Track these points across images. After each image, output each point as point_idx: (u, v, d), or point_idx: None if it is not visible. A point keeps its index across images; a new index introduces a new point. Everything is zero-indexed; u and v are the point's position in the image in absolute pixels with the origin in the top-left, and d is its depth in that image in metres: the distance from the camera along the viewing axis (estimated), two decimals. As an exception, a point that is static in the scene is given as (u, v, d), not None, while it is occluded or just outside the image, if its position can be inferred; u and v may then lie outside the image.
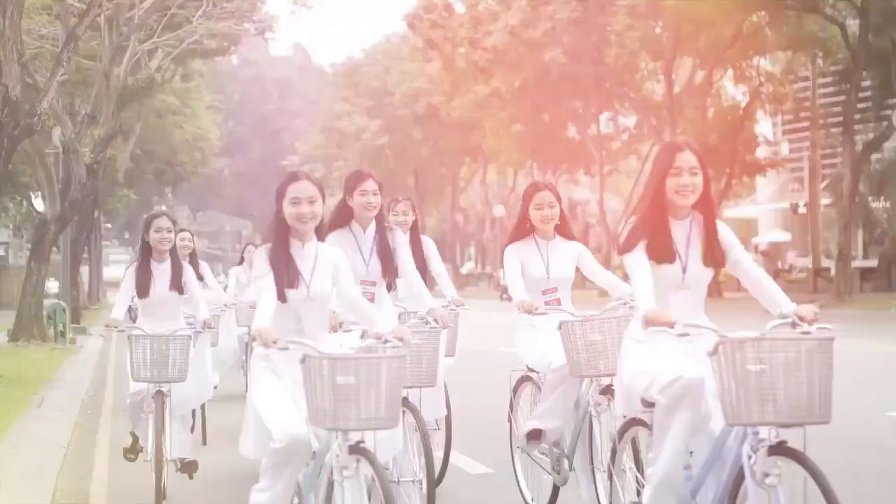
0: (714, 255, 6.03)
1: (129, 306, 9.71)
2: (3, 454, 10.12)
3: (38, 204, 39.96)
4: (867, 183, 53.51)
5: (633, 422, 6.22)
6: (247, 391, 9.91)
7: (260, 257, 6.40)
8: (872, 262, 54.66)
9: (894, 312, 34.58)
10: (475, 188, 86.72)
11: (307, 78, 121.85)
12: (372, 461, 5.70)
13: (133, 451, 9.69)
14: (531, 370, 8.31)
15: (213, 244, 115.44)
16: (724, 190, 51.35)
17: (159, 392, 8.94)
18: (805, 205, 60.05)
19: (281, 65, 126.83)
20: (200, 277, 13.58)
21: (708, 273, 6.08)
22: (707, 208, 6.11)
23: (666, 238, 6.00)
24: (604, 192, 64.98)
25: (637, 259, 5.95)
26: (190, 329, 9.25)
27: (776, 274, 54.33)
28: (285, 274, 6.33)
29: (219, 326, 13.80)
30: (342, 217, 8.32)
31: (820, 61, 52.09)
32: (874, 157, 51.07)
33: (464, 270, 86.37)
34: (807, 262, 59.48)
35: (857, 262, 53.93)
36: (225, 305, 13.69)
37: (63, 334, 25.54)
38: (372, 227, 8.32)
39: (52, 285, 47.66)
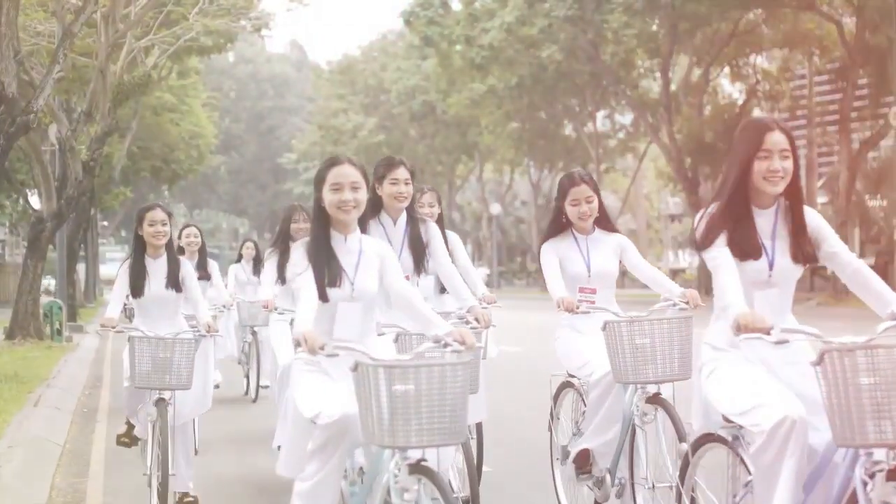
0: (804, 248, 5.39)
1: (125, 305, 9.32)
2: (0, 452, 10.10)
3: (35, 201, 39.94)
4: (864, 181, 53.60)
5: (710, 438, 5.51)
6: (280, 409, 9.58)
7: (297, 252, 5.83)
8: (869, 261, 54.61)
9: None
10: (472, 186, 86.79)
11: (303, 75, 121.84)
12: (437, 482, 5.06)
13: (128, 437, 9.16)
14: (572, 375, 7.87)
15: (210, 242, 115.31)
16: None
17: (161, 400, 8.19)
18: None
19: (277, 62, 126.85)
20: (207, 276, 13.26)
21: (797, 269, 5.42)
22: (795, 195, 5.44)
23: (750, 230, 5.33)
24: (600, 190, 64.92)
25: (720, 254, 5.26)
26: (193, 332, 8.49)
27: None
28: (326, 270, 5.78)
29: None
30: (371, 207, 7.45)
31: (816, 59, 52.15)
32: (871, 155, 51.17)
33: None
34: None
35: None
36: (224, 306, 13.19)
37: (59, 332, 25.52)
38: (403, 218, 7.84)
39: (49, 283, 47.71)
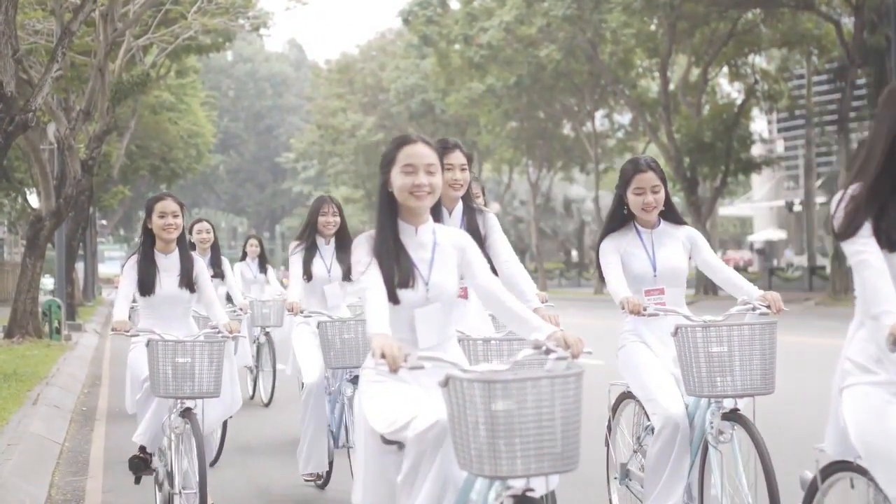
0: None
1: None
2: (-1, 450, 10.12)
3: (33, 200, 40.04)
4: (862, 181, 53.53)
5: (845, 466, 4.62)
6: (303, 431, 9.25)
7: (360, 248, 5.07)
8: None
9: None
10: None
11: (302, 74, 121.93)
12: None
13: (145, 465, 8.21)
14: None
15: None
16: (718, 188, 51.38)
17: (188, 410, 7.49)
18: (800, 203, 60.15)
19: (276, 61, 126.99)
20: (221, 274, 12.74)
21: None
22: None
23: None
24: (599, 190, 64.98)
25: (866, 246, 4.41)
26: (216, 334, 7.72)
27: (771, 272, 54.40)
28: (396, 268, 5.00)
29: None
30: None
31: (815, 59, 52.16)
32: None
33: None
34: (802, 259, 59.54)
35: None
36: (240, 310, 12.52)
37: (58, 331, 25.52)
38: (459, 208, 7.06)
39: (48, 282, 47.79)
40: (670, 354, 6.59)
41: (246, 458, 10.98)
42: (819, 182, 59.79)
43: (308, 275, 9.52)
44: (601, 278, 6.94)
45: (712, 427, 6.33)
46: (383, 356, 4.38)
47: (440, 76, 62.53)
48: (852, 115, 47.56)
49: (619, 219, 6.93)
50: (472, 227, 6.92)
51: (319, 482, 9.41)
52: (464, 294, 6.73)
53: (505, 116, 61.58)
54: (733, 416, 6.28)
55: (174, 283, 8.04)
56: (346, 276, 9.18)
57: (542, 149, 66.47)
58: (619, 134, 66.33)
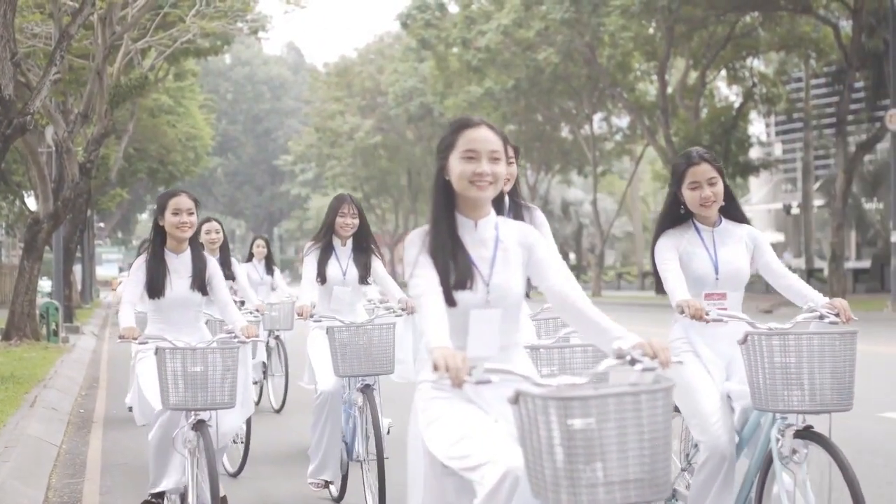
0: None
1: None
2: (-4, 453, 10.11)
3: (31, 203, 40.05)
4: (860, 184, 53.68)
5: None
6: (314, 441, 8.81)
7: (413, 245, 4.55)
8: (865, 263, 54.78)
9: (887, 313, 34.63)
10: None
11: (300, 77, 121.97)
12: None
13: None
14: None
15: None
16: (717, 190, 51.38)
17: (201, 422, 6.97)
18: (798, 205, 60.20)
19: (274, 64, 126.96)
20: (231, 276, 12.20)
21: None
22: None
23: None
24: (597, 193, 65.01)
25: None
26: (231, 339, 7.20)
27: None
28: (452, 267, 4.47)
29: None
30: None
31: (813, 62, 52.18)
32: (867, 157, 51.19)
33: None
34: (800, 262, 59.57)
35: (851, 263, 54.07)
36: (257, 311, 12.04)
37: (56, 333, 25.53)
38: (504, 204, 6.54)
39: (45, 284, 47.77)
40: (722, 367, 6.20)
41: (257, 467, 10.42)
42: (817, 185, 59.78)
43: (322, 277, 9.03)
44: (656, 278, 6.35)
45: (781, 445, 5.76)
46: (445, 369, 3.91)
47: (438, 79, 62.56)
48: (850, 118, 47.55)
49: (675, 219, 6.42)
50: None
51: (328, 488, 9.02)
52: None
53: (503, 119, 61.56)
54: (808, 433, 5.70)
55: (185, 285, 7.51)
56: (363, 279, 9.12)
57: (541, 152, 66.49)
58: (617, 137, 66.32)
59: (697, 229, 6.35)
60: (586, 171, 67.10)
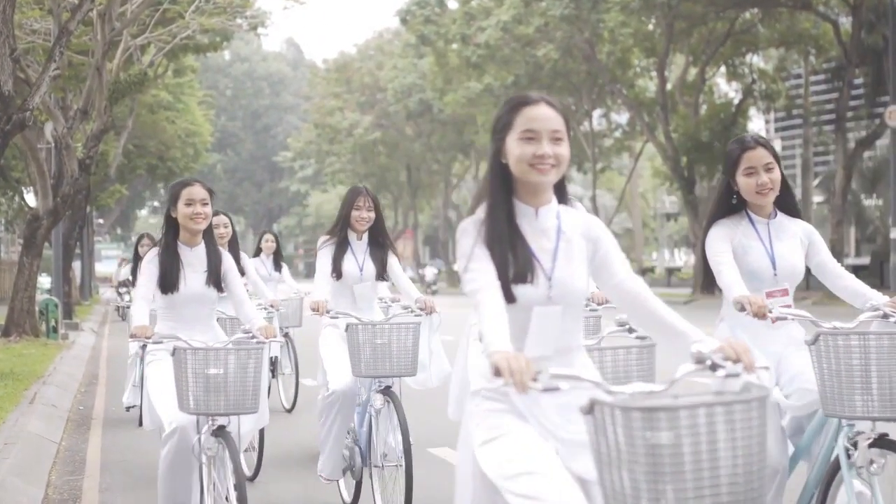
0: None
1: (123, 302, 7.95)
2: (-4, 450, 10.11)
3: (31, 199, 40.01)
4: (859, 180, 53.68)
5: None
6: (322, 439, 8.37)
7: (467, 235, 4.10)
8: (865, 260, 54.78)
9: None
10: (468, 184, 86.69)
11: (299, 73, 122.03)
12: None
13: None
14: None
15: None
16: (716, 187, 51.44)
17: (221, 428, 6.55)
18: (797, 202, 60.14)
19: (273, 60, 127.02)
20: (241, 271, 12.53)
21: None
22: None
23: None
24: (596, 189, 65.00)
25: None
26: (249, 339, 6.72)
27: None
28: (511, 259, 4.05)
29: None
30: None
31: (812, 59, 52.19)
32: (866, 154, 51.22)
33: (456, 267, 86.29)
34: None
35: (850, 260, 54.06)
36: (271, 306, 11.77)
37: (55, 330, 25.51)
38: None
39: (44, 280, 47.72)
40: (773, 370, 5.74)
41: (268, 470, 10.10)
42: (816, 181, 59.79)
43: (338, 272, 8.59)
44: (705, 272, 5.93)
45: (854, 455, 5.24)
46: (509, 373, 3.52)
47: (438, 75, 62.55)
48: (849, 114, 47.58)
49: (727, 207, 5.99)
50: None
51: (339, 487, 8.71)
52: None
53: (502, 116, 61.51)
54: (885, 442, 5.17)
55: (200, 281, 7.05)
56: (380, 275, 8.73)
57: (540, 148, 66.42)
58: (617, 133, 66.32)
59: (752, 220, 5.93)
60: (586, 168, 67.07)
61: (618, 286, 4.16)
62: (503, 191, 4.15)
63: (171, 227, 7.09)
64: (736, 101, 53.48)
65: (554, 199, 4.24)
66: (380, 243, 8.76)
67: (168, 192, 7.13)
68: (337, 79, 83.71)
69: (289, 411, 14.16)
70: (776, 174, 5.83)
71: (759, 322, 5.55)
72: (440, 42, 58.98)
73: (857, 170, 49.07)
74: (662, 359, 5.08)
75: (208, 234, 7.18)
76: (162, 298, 7.05)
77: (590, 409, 3.37)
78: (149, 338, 6.62)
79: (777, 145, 67.34)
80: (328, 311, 8.24)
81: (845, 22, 46.54)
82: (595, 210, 63.32)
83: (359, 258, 8.69)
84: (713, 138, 48.77)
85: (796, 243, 5.93)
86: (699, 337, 3.84)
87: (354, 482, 8.49)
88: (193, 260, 7.07)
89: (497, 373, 3.55)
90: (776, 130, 69.69)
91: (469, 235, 4.10)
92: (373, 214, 8.67)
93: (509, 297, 4.00)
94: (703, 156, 49.38)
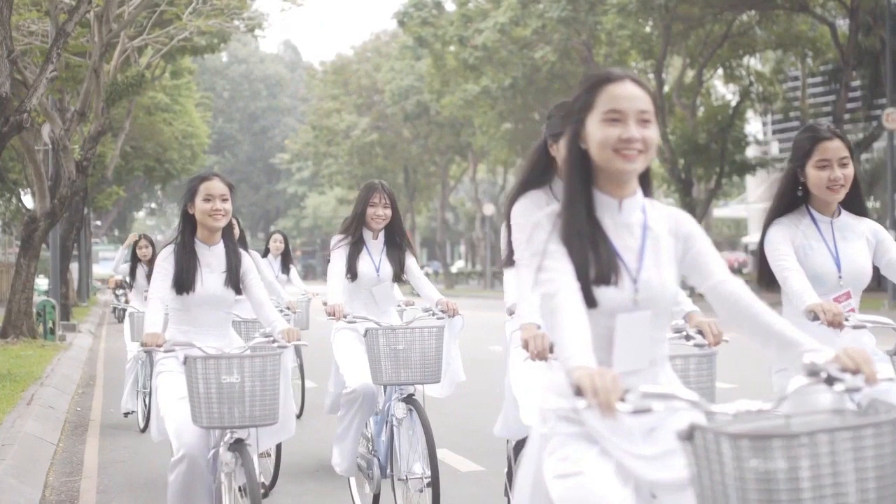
0: None
1: (121, 296, 7.21)
2: (-7, 451, 10.11)
3: (28, 201, 40.05)
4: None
5: None
6: (339, 431, 8.00)
7: (541, 229, 3.65)
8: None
9: (884, 311, 34.67)
10: (465, 186, 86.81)
11: (297, 75, 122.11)
12: None
13: None
14: None
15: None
16: (713, 189, 51.45)
17: (239, 442, 6.08)
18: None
19: (270, 62, 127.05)
20: None
21: None
22: None
23: None
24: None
25: None
26: (269, 343, 6.35)
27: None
28: (592, 258, 3.59)
29: None
30: (543, 171, 5.54)
31: (810, 61, 52.20)
32: (864, 156, 51.21)
33: (454, 269, 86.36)
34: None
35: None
36: (287, 308, 11.50)
37: (52, 331, 25.51)
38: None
39: (42, 282, 47.72)
40: None
41: (280, 481, 9.54)
42: (813, 184, 59.79)
43: (352, 273, 8.18)
44: (760, 274, 5.52)
45: None
46: (593, 393, 3.06)
47: (435, 77, 62.55)
48: (847, 117, 47.55)
49: (791, 199, 5.53)
50: None
51: (349, 485, 8.41)
52: None
53: (500, 118, 61.55)
54: None
55: (218, 282, 6.58)
56: (397, 276, 8.35)
57: (537, 150, 66.46)
58: (614, 135, 66.29)
59: (814, 219, 5.48)
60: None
61: (715, 288, 3.68)
62: (582, 180, 3.69)
63: (189, 223, 6.63)
64: (733, 104, 53.44)
65: (639, 191, 3.79)
66: (397, 242, 8.38)
67: (185, 187, 6.65)
68: (334, 81, 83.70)
69: (298, 417, 13.55)
70: (850, 170, 5.43)
71: (824, 329, 5.03)
72: (437, 44, 58.98)
73: (854, 172, 49.03)
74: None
75: (227, 232, 6.74)
76: (176, 300, 6.58)
77: (690, 434, 2.93)
78: (160, 346, 6.14)
79: (774, 147, 67.48)
80: (345, 316, 7.82)
81: (842, 24, 46.57)
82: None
83: (375, 258, 8.31)
84: (710, 140, 48.79)
85: (863, 243, 5.52)
86: (812, 345, 3.38)
87: (372, 495, 8.03)
88: (211, 259, 6.61)
89: (579, 392, 3.11)
90: (773, 133, 69.73)
91: (543, 229, 3.66)
92: (389, 211, 8.28)
93: (591, 302, 3.57)
94: (700, 158, 49.39)
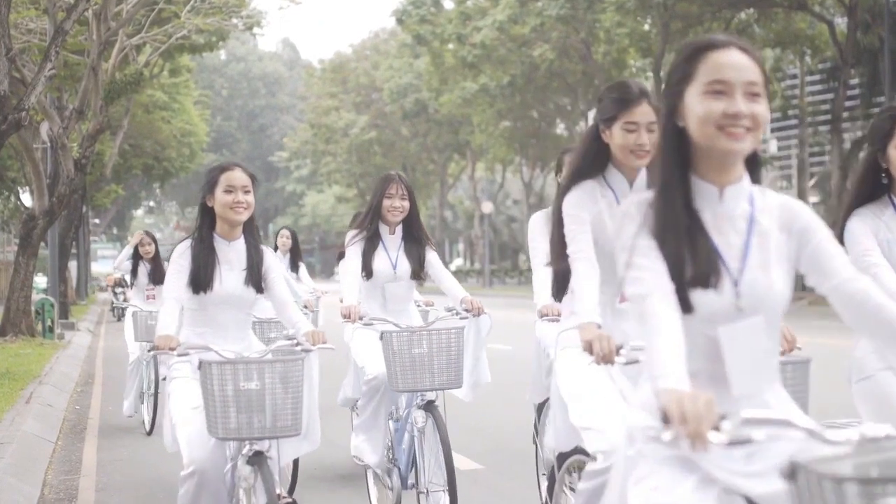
0: None
1: (118, 293, 6.74)
2: (-8, 449, 10.10)
3: (26, 199, 40.01)
4: (855, 180, 53.62)
5: None
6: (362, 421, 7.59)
7: (630, 220, 3.20)
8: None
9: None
10: (463, 184, 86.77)
11: (295, 73, 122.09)
12: None
13: None
14: None
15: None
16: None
17: (258, 454, 5.53)
18: None
19: (269, 60, 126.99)
20: None
21: None
22: None
23: None
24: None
25: None
26: (293, 346, 5.86)
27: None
28: (689, 256, 3.12)
29: None
30: (593, 161, 4.90)
31: (808, 59, 52.21)
32: (862, 154, 51.19)
33: (452, 267, 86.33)
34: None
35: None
36: (305, 307, 11.24)
37: (51, 329, 25.50)
38: (642, 176, 4.93)
39: (40, 280, 47.72)
40: None
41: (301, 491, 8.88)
42: (812, 182, 59.80)
43: (368, 271, 7.66)
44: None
45: None
46: (682, 421, 2.67)
47: (433, 75, 62.55)
48: (845, 115, 47.58)
49: (871, 189, 4.97)
50: None
51: (366, 472, 8.00)
52: None
53: (498, 116, 61.57)
54: None
55: (238, 280, 6.08)
56: (416, 274, 7.82)
57: (536, 148, 66.49)
58: (613, 133, 66.34)
59: None
60: (581, 168, 67.07)
61: (838, 289, 3.20)
62: (678, 164, 3.21)
63: (207, 217, 6.11)
64: (731, 102, 53.47)
65: (745, 177, 3.28)
66: (415, 237, 7.84)
67: (205, 178, 6.13)
68: (333, 79, 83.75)
69: None
70: None
71: None
72: (436, 42, 58.99)
73: (852, 170, 49.00)
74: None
75: (248, 227, 6.18)
76: (192, 299, 6.04)
77: (790, 472, 2.58)
78: (173, 349, 5.59)
79: (773, 146, 67.43)
80: (361, 318, 7.28)
81: (841, 22, 46.57)
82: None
83: (392, 254, 7.77)
84: (709, 138, 48.82)
85: None
86: None
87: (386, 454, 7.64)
88: (231, 255, 6.09)
89: (665, 418, 2.71)
90: (772, 131, 69.71)
91: (632, 221, 3.21)
92: (407, 203, 7.73)
93: (685, 307, 3.11)
94: (698, 156, 49.45)
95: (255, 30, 38.07)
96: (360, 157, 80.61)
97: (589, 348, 4.16)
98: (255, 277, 6.08)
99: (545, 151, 67.76)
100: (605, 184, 4.85)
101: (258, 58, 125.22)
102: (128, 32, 29.77)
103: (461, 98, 60.04)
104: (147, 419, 12.80)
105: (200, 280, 5.96)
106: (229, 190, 5.95)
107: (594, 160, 4.88)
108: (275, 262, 6.21)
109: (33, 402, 13.58)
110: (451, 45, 58.10)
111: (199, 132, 61.89)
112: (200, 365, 5.41)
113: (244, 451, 5.56)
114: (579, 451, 5.29)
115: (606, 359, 4.10)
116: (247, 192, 5.98)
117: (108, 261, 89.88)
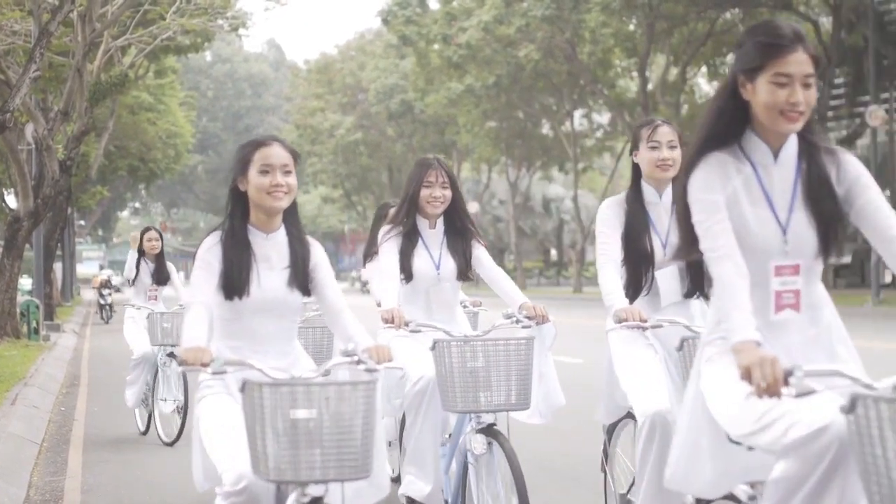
0: None
1: (115, 291, 5.86)
2: (-23, 451, 10.08)
3: (11, 200, 39.86)
4: (840, 179, 53.70)
5: None
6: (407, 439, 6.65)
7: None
8: (846, 259, 54.95)
9: (868, 308, 34.80)
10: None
11: (281, 74, 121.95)
12: None
13: None
14: None
15: (187, 241, 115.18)
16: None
17: (316, 501, 4.30)
18: None
19: (254, 61, 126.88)
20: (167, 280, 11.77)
21: None
22: None
23: None
24: (578, 189, 65.09)
25: None
26: (355, 365, 4.61)
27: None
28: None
29: None
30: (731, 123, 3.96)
31: (793, 58, 52.33)
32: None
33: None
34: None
35: (831, 259, 54.11)
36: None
37: (36, 331, 25.44)
38: (791, 144, 3.99)
39: (25, 282, 47.57)
40: None
41: None
42: (797, 181, 59.91)
43: (407, 273, 6.63)
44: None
45: None
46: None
47: (419, 76, 62.55)
48: (830, 114, 47.75)
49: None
50: (681, 213, 4.03)
51: None
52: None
53: (484, 116, 61.60)
54: None
55: (280, 281, 4.92)
56: (463, 273, 6.77)
57: (521, 148, 66.54)
58: (598, 133, 66.43)
59: None
60: (567, 168, 67.17)
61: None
62: (736, 123, 3.91)
63: (239, 204, 4.95)
64: (717, 101, 53.55)
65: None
66: (459, 230, 6.79)
67: (236, 157, 4.97)
68: (318, 80, 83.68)
69: None
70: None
71: None
72: (421, 42, 58.99)
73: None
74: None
75: (290, 216, 5.03)
76: (223, 306, 4.87)
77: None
78: (206, 364, 4.36)
79: (758, 145, 67.57)
80: (407, 324, 6.19)
81: (826, 22, 46.71)
82: (577, 210, 63.43)
83: (433, 253, 6.74)
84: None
85: None
86: None
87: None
88: (270, 251, 4.93)
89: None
90: (757, 130, 69.99)
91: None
92: (449, 192, 6.68)
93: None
94: (684, 155, 49.50)
95: (241, 31, 38.06)
96: (346, 158, 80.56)
97: (748, 375, 3.38)
98: (301, 277, 4.94)
99: (531, 152, 67.83)
100: (741, 155, 3.94)
101: (244, 59, 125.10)
102: (113, 34, 29.73)
103: (447, 98, 60.04)
104: (141, 421, 12.62)
105: (234, 283, 4.81)
106: (265, 170, 4.79)
107: (729, 123, 3.96)
108: (324, 259, 5.07)
109: (18, 404, 13.55)
110: (436, 46, 58.12)
111: (184, 133, 61.78)
112: (244, 386, 4.21)
113: (297, 494, 4.33)
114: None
115: (771, 390, 3.32)
116: (287, 172, 4.84)
117: (93, 262, 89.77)
